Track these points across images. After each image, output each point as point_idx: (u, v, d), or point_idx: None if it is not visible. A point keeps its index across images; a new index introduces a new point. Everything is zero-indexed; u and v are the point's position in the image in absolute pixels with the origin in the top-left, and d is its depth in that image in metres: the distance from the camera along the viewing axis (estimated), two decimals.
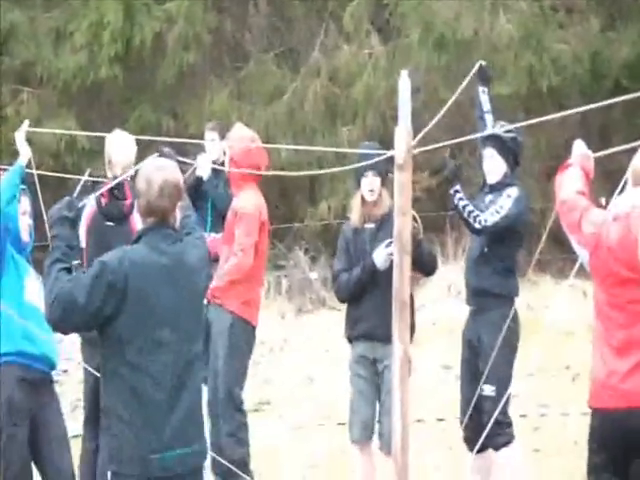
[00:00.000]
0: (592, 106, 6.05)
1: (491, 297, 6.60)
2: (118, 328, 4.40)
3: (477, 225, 6.52)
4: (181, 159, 6.29)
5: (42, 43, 14.05)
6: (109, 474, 4.57)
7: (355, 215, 6.95)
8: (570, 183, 5.19)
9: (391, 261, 6.14)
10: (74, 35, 13.88)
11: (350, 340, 6.96)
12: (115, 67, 13.78)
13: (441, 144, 6.34)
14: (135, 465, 4.46)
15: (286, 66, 14.57)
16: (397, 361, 5.66)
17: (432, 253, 7.13)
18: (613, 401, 4.78)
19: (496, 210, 6.56)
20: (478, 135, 6.78)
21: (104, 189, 7.11)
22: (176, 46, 14.09)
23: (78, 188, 6.16)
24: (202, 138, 8.71)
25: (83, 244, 7.53)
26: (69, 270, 4.48)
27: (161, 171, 4.51)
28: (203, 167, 8.40)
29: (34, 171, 6.51)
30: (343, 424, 7.41)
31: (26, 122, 6.78)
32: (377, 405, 6.87)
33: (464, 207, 6.53)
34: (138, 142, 7.26)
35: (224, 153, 7.91)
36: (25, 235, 6.46)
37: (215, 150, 8.51)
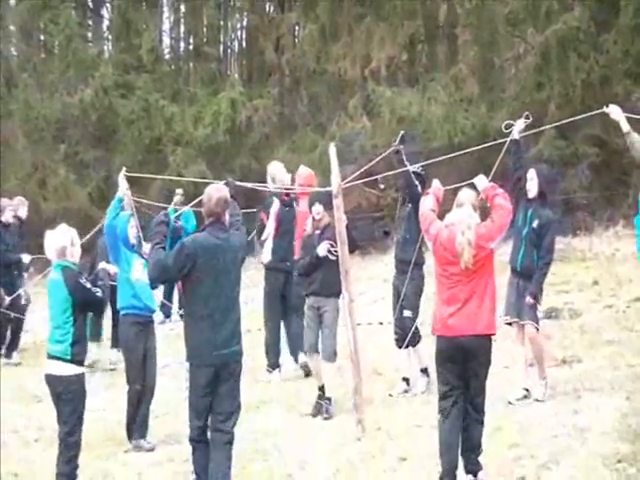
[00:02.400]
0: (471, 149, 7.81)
1: (408, 263, 7.66)
2: (192, 279, 5.23)
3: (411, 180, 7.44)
4: (243, 185, 7.45)
5: (188, 123, 18.10)
6: (188, 365, 5.42)
7: (309, 227, 7.93)
8: (427, 204, 6.00)
9: (328, 251, 7.33)
10: (205, 117, 18.16)
11: (306, 295, 7.85)
12: (226, 135, 18.07)
13: (360, 181, 8.05)
14: (204, 357, 5.25)
15: (317, 133, 18.06)
16: (346, 299, 6.79)
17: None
18: (445, 331, 5.69)
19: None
20: (393, 172, 7.89)
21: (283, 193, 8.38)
22: (258, 124, 18.29)
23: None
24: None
25: (274, 224, 8.73)
26: (164, 248, 5.39)
27: (217, 191, 5.33)
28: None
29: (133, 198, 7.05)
30: None
31: (124, 168, 7.25)
32: (319, 332, 7.61)
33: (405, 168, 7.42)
34: (241, 178, 8.68)
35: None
36: (132, 239, 7.14)
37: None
